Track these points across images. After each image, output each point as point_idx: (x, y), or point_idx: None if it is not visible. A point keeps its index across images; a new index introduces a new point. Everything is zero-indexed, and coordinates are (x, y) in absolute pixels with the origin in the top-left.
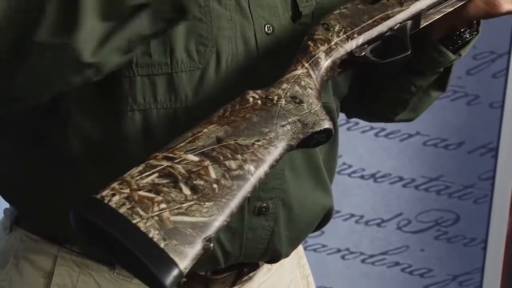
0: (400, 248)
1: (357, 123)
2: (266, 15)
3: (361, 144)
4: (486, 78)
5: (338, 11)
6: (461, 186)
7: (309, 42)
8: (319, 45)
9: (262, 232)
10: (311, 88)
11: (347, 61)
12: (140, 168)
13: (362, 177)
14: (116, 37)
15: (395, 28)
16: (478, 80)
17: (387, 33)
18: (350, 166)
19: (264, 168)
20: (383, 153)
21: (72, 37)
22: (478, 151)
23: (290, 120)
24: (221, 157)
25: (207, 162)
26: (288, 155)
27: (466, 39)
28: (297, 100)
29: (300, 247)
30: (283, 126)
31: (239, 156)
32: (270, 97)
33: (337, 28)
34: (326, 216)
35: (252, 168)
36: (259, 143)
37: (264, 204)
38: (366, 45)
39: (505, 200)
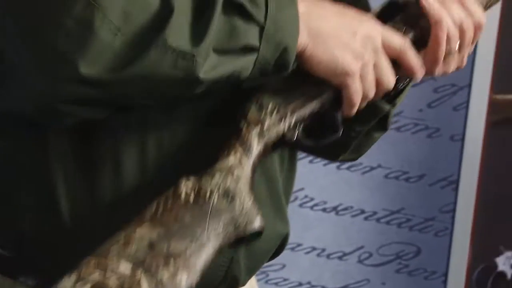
0: (361, 281)
1: None
2: None
3: (323, 176)
4: (447, 111)
5: (271, 87)
6: (422, 219)
7: (242, 124)
8: (252, 128)
9: (222, 259)
10: (244, 181)
11: (280, 142)
12: (72, 279)
13: (324, 210)
14: (222, 67)
15: (328, 105)
16: (439, 113)
17: (320, 110)
18: (312, 199)
19: (195, 276)
20: (345, 186)
21: (197, 48)
22: (439, 183)
23: (222, 221)
24: (154, 266)
25: (139, 275)
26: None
27: (400, 88)
28: (230, 197)
29: (253, 278)
30: (215, 228)
31: (171, 264)
32: (203, 192)
33: (270, 107)
34: (282, 244)
35: (184, 277)
36: (191, 248)
37: None
38: (298, 125)
39: (466, 233)
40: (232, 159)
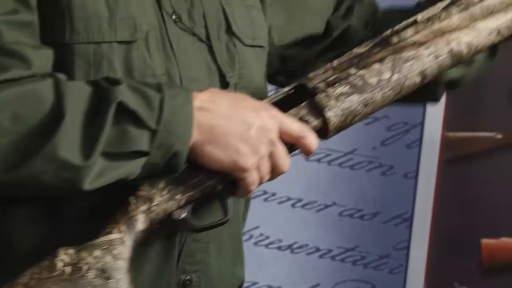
0: None
1: (274, 194)
2: (196, 88)
3: (278, 215)
4: (400, 148)
5: None
6: (376, 256)
7: (131, 200)
8: (140, 205)
9: None
10: (123, 259)
11: (166, 221)
12: None
13: (279, 248)
14: (110, 174)
15: (219, 189)
16: (393, 150)
17: (213, 193)
18: (267, 237)
19: None
20: (300, 224)
21: (85, 162)
22: (393, 221)
23: None
24: None
25: None
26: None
27: None
28: (106, 275)
29: None
30: None
31: None
32: (80, 265)
33: (161, 185)
34: (240, 286)
35: None
36: None
37: (188, 277)
38: (188, 205)
39: (420, 270)
40: (114, 235)
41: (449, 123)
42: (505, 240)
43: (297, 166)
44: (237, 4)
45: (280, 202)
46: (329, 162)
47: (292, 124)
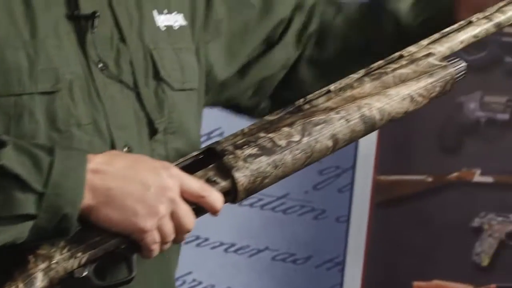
0: None
1: (206, 239)
2: (125, 136)
3: (211, 260)
4: (332, 192)
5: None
6: None
7: (30, 258)
8: (39, 263)
9: None
10: None
11: (68, 280)
12: None
13: None
14: None
15: (122, 248)
16: (324, 194)
17: (116, 251)
18: (200, 283)
19: None
20: (232, 269)
21: None
22: (325, 265)
23: None
24: None
25: None
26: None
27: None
28: None
29: None
30: None
31: None
32: None
33: (62, 243)
34: None
35: None
36: None
37: None
38: (90, 263)
39: None
40: None
41: (380, 167)
42: (437, 283)
43: (230, 210)
44: (166, 48)
45: (213, 247)
46: (262, 207)
47: (193, 182)
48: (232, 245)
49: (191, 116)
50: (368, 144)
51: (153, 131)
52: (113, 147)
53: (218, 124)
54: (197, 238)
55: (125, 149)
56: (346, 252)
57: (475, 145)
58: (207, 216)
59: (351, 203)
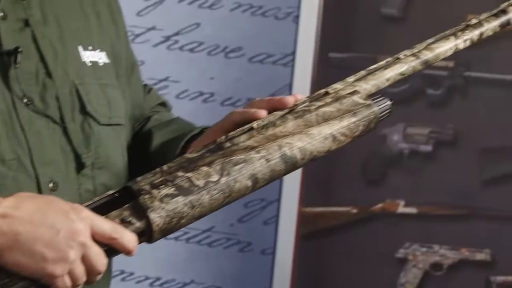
0: None
1: (131, 273)
2: (50, 171)
3: None
4: (258, 225)
5: None
6: None
7: None
8: None
9: None
10: None
11: None
12: None
13: None
14: None
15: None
16: (250, 227)
17: None
18: None
19: None
20: None
21: None
22: None
23: None
24: None
25: None
26: None
27: None
28: None
29: None
30: None
31: None
32: None
33: None
34: None
35: None
36: None
37: None
38: None
39: None
40: None
41: (305, 199)
42: None
43: (155, 244)
44: (92, 84)
45: (138, 281)
46: (187, 240)
47: (104, 224)
48: (158, 279)
49: (118, 151)
50: (293, 176)
51: (80, 166)
52: (38, 182)
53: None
54: (122, 272)
55: (51, 184)
56: (272, 285)
57: (399, 176)
58: None
59: (276, 236)
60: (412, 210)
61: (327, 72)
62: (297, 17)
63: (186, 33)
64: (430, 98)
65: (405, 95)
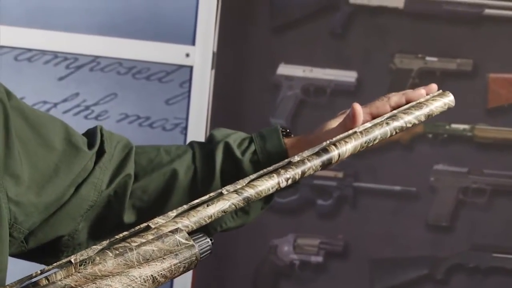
0: None
1: None
2: None
3: None
4: None
5: None
6: None
7: None
8: None
9: None
10: None
11: None
12: None
13: None
14: None
15: None
16: None
17: None
18: None
19: None
20: None
21: None
22: None
23: None
24: None
25: None
26: None
27: None
28: None
29: None
30: None
31: None
32: None
33: None
34: None
35: None
36: None
37: None
38: None
39: None
40: None
41: None
42: None
43: None
44: None
45: None
46: None
47: None
48: None
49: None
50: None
51: None
52: None
53: None
54: None
55: None
56: None
57: (290, 287)
58: None
59: None
60: None
61: None
62: (185, 128)
63: None
64: (320, 209)
65: (294, 206)
